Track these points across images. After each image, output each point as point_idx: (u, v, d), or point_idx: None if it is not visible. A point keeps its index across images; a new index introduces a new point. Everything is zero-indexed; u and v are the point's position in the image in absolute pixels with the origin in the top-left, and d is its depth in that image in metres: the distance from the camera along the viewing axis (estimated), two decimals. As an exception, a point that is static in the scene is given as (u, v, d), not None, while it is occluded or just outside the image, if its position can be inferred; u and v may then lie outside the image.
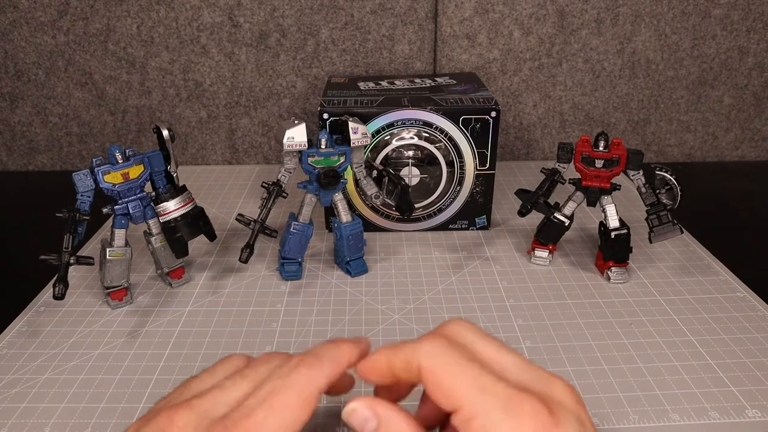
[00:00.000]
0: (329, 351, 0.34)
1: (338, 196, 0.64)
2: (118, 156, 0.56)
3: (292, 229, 0.63)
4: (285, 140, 0.59)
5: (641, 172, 0.62)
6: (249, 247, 0.60)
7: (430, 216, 0.75)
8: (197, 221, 0.63)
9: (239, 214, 0.61)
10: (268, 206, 0.61)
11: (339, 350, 0.34)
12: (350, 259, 0.66)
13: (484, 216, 0.76)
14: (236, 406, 0.31)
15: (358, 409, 0.32)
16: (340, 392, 0.38)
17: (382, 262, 0.69)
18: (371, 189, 0.66)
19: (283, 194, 0.62)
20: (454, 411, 0.29)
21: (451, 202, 0.74)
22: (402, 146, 0.71)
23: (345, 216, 0.65)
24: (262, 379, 0.33)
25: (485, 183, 0.73)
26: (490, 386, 0.29)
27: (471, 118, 0.70)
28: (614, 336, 0.55)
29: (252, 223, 0.61)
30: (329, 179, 0.61)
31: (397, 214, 0.68)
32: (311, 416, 0.32)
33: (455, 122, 0.70)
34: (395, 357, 0.32)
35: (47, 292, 0.63)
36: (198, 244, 0.71)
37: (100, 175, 0.55)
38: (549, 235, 0.66)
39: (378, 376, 0.34)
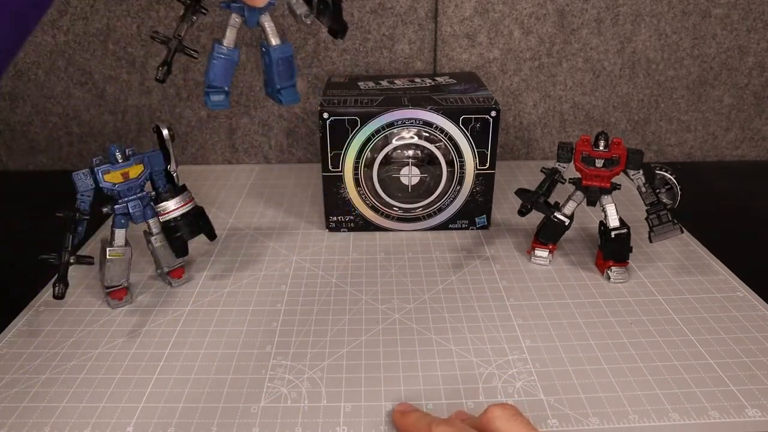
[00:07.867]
0: None
1: (265, 18, 0.58)
2: (118, 155, 0.56)
3: (216, 53, 0.57)
4: None
5: (641, 171, 0.62)
6: (166, 65, 0.54)
7: (430, 216, 0.75)
8: (197, 221, 0.63)
9: (154, 31, 0.54)
10: (187, 21, 0.54)
11: None
12: (281, 87, 0.61)
13: (484, 215, 0.76)
14: None
15: None
16: None
17: (382, 262, 0.69)
18: (301, 8, 0.57)
19: (203, 10, 0.55)
20: None
21: (451, 202, 0.74)
22: (402, 146, 0.71)
23: (274, 39, 0.59)
24: None
25: (485, 182, 0.73)
26: None
27: (471, 117, 0.69)
28: (614, 336, 0.55)
29: (170, 40, 0.54)
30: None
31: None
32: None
33: (455, 122, 0.70)
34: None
35: (47, 291, 0.63)
36: (198, 244, 0.71)
37: (100, 174, 0.56)
38: (549, 234, 0.66)
39: None
